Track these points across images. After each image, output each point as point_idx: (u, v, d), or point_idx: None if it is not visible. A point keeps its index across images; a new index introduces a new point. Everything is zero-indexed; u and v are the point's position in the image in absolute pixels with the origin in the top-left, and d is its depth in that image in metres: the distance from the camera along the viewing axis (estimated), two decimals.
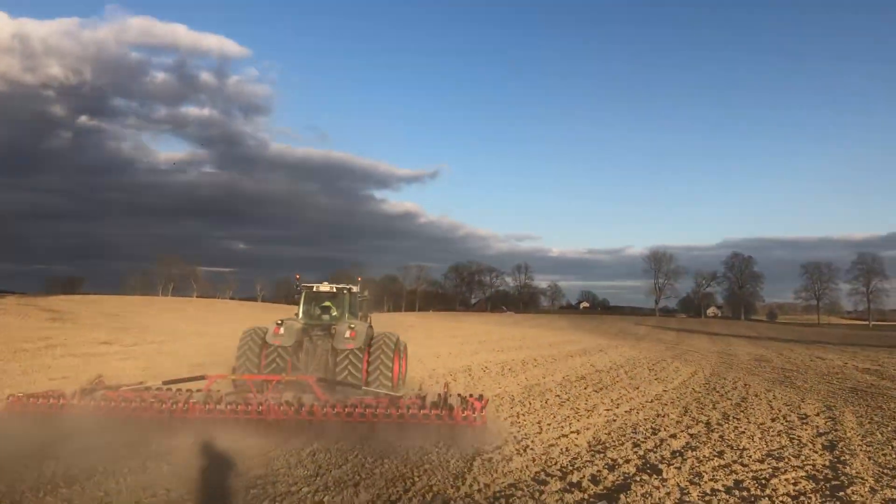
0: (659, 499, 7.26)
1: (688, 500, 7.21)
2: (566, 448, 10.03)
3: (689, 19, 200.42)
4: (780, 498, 7.31)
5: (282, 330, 13.66)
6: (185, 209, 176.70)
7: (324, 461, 8.74)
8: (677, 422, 12.68)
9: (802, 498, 7.33)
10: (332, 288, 15.25)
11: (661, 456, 9.51)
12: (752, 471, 8.62)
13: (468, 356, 27.13)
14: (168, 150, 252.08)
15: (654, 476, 8.24)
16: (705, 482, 7.97)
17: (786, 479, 8.10)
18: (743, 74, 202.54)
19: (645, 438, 10.90)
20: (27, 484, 7.25)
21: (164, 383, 12.15)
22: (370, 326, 15.18)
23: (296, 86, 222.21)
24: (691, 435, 11.26)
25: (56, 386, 13.35)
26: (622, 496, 7.31)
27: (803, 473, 8.44)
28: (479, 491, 7.52)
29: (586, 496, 7.37)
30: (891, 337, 61.25)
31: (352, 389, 12.45)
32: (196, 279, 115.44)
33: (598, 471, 8.55)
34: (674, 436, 11.15)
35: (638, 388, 18.09)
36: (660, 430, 11.67)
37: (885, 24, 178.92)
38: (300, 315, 14.89)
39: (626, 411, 13.96)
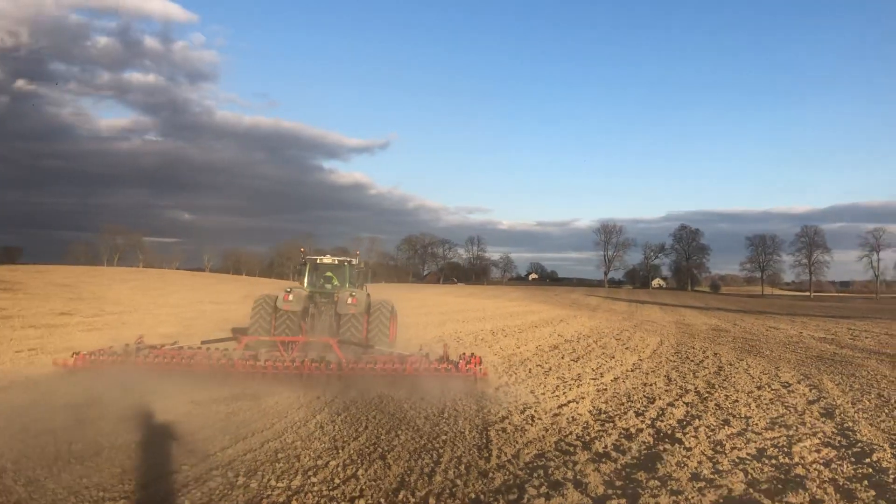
0: (695, 467, 7.17)
1: (722, 468, 7.10)
2: (572, 417, 9.94)
3: None
4: (811, 465, 7.32)
5: (291, 297, 15.14)
6: (128, 178, 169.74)
7: (337, 433, 8.45)
8: (666, 391, 12.72)
9: (834, 464, 7.35)
10: (334, 260, 17.20)
11: (670, 425, 9.48)
12: (766, 439, 8.64)
13: (436, 326, 26.86)
14: (111, 117, 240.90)
15: (677, 445, 8.17)
16: (729, 451, 7.95)
17: (805, 447, 8.13)
18: (683, 49, 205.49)
19: (644, 408, 10.88)
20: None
21: (203, 342, 14.35)
22: (368, 294, 16.45)
23: (244, 52, 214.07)
24: (687, 404, 11.30)
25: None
26: (658, 465, 7.17)
27: (817, 441, 8.50)
28: (510, 462, 7.33)
29: (619, 465, 7.25)
30: (832, 307, 64.01)
31: (360, 349, 14.31)
32: (142, 249, 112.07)
33: (617, 440, 8.46)
34: (671, 405, 11.16)
35: (613, 358, 18.18)
36: (655, 399, 11.67)
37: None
38: (305, 284, 16.59)
39: (612, 380, 13.97)
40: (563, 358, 17.90)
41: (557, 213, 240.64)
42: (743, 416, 10.18)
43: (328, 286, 16.70)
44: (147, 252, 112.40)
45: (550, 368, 15.55)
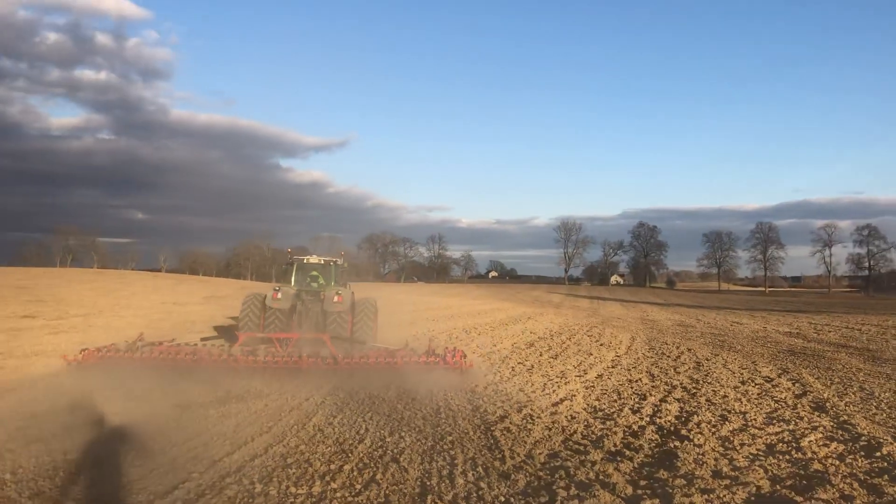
0: (713, 464, 7.08)
1: (739, 465, 7.02)
2: (570, 416, 9.84)
3: None
4: (826, 460, 7.29)
5: (279, 295, 15.75)
6: (80, 177, 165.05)
7: (340, 436, 8.16)
8: (653, 387, 12.72)
9: (848, 459, 7.32)
10: (320, 260, 17.82)
11: (669, 421, 9.43)
12: (770, 434, 8.63)
13: (408, 326, 26.53)
14: (61, 115, 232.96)
15: (686, 442, 8.08)
16: (739, 447, 7.90)
17: (812, 442, 8.12)
18: (634, 51, 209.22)
19: (637, 404, 10.82)
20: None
21: (202, 340, 15.58)
22: (352, 293, 17.05)
23: (199, 50, 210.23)
24: (678, 399, 11.28)
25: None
26: (676, 463, 7.05)
27: (821, 435, 8.51)
28: (526, 462, 7.17)
29: (636, 464, 7.12)
30: (787, 302, 65.94)
31: (350, 344, 15.24)
32: (96, 250, 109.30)
33: (624, 438, 8.38)
34: (664, 401, 11.14)
35: (591, 354, 18.18)
36: (646, 396, 11.63)
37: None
38: (293, 283, 17.14)
39: (596, 377, 13.95)
40: (541, 355, 17.82)
41: (516, 211, 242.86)
42: (738, 411, 10.18)
43: (314, 285, 17.21)
44: (101, 253, 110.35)
45: (533, 366, 15.44)
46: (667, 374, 14.48)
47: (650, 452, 7.59)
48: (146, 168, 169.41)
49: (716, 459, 7.24)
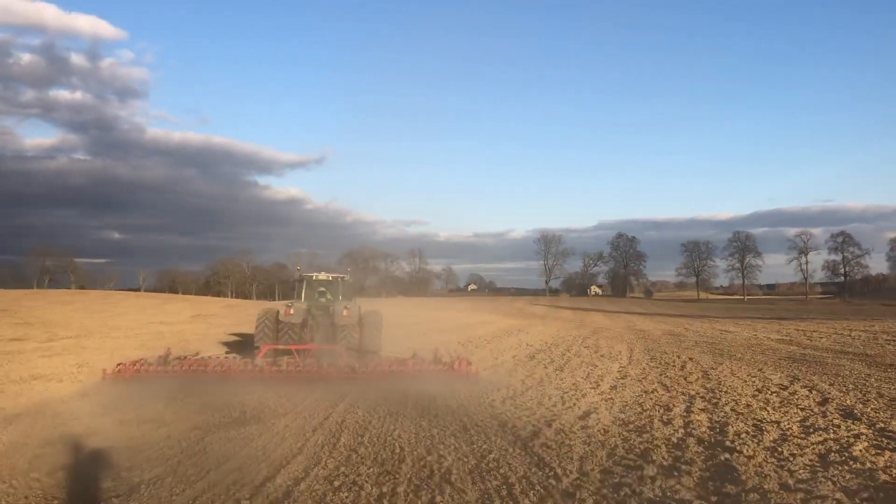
0: (777, 477, 6.88)
1: (802, 477, 6.83)
2: (603, 430, 9.68)
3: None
4: (891, 470, 7.11)
5: (292, 310, 16.78)
6: (55, 198, 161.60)
7: (377, 456, 7.93)
8: (671, 397, 12.59)
9: None
10: (328, 277, 18.77)
11: (705, 432, 9.28)
12: (816, 443, 8.50)
13: (404, 340, 26.12)
14: (36, 136, 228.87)
15: (735, 454, 7.90)
16: (791, 457, 7.71)
17: (863, 450, 7.97)
18: (609, 63, 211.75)
19: (665, 416, 10.65)
20: None
21: (227, 353, 16.78)
22: (359, 307, 18.21)
23: (174, 69, 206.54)
24: (703, 410, 11.15)
25: None
26: (738, 476, 6.87)
27: (867, 443, 8.37)
28: (584, 480, 6.95)
29: (697, 479, 6.94)
30: (767, 309, 66.65)
31: (364, 355, 16.42)
32: (74, 271, 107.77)
33: (670, 451, 8.16)
34: (689, 411, 11.00)
35: (595, 367, 18.00)
36: (669, 407, 11.45)
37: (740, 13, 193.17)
38: (303, 299, 18.01)
39: (610, 388, 13.81)
40: (545, 368, 17.63)
41: (493, 224, 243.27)
42: (769, 420, 10.05)
43: (322, 300, 18.27)
44: (79, 274, 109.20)
45: (542, 379, 15.26)
46: (679, 384, 14.34)
47: (705, 466, 7.38)
48: (122, 187, 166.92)
49: (776, 472, 7.05)
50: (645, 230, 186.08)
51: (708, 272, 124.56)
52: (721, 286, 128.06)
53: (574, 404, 11.78)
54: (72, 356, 17.60)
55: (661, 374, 15.99)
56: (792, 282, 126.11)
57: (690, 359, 19.75)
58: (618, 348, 24.03)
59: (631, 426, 9.82)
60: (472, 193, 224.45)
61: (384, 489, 6.50)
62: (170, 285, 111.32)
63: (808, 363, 18.08)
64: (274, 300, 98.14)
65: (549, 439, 8.80)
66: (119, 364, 13.74)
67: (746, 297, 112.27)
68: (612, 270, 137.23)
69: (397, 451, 8.15)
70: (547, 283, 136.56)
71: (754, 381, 14.52)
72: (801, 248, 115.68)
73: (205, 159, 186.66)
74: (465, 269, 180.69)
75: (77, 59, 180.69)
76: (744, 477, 6.84)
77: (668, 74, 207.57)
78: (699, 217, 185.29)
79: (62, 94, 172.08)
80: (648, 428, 9.61)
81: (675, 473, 7.05)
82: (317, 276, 18.64)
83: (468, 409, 11.27)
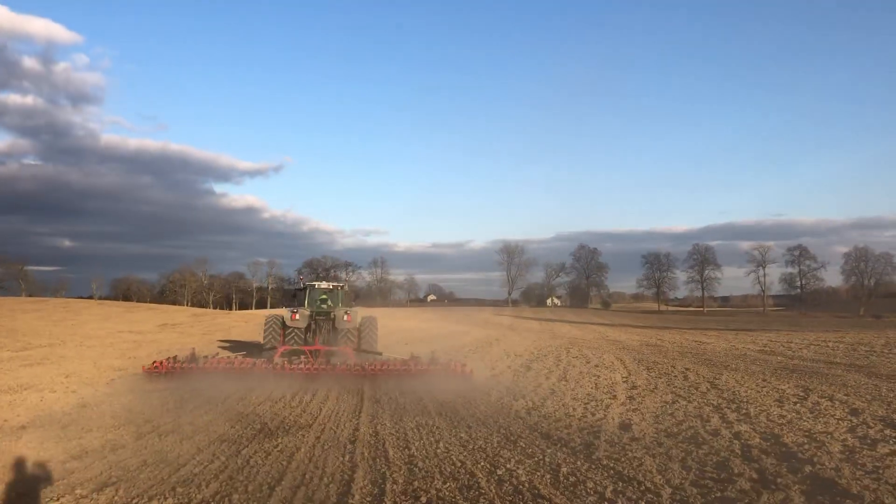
0: (875, 489, 6.46)
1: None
2: (656, 442, 9.25)
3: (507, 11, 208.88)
4: None
5: (297, 316, 18.69)
6: (3, 204, 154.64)
7: (442, 470, 7.32)
8: (697, 407, 12.42)
9: None
10: (329, 285, 20.84)
11: (762, 442, 8.95)
12: (886, 453, 8.16)
13: (383, 349, 25.42)
14: None
15: (818, 465, 7.58)
16: (876, 468, 7.43)
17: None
18: (566, 72, 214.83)
19: (707, 426, 10.41)
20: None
21: (244, 355, 18.45)
22: (358, 312, 19.88)
23: (131, 74, 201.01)
24: (739, 421, 10.82)
25: None
26: (841, 483, 6.43)
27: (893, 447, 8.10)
28: (681, 494, 6.48)
29: (798, 491, 6.45)
30: (729, 321, 67.74)
31: (368, 355, 18.27)
32: (24, 279, 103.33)
33: (746, 463, 7.71)
34: (725, 421, 10.83)
35: (598, 377, 17.69)
36: (706, 419, 11.17)
37: (711, 23, 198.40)
38: (306, 305, 19.83)
39: (628, 399, 13.54)
40: (548, 378, 17.30)
41: (452, 234, 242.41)
42: (819, 431, 9.83)
43: (324, 306, 19.82)
44: (29, 281, 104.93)
45: (554, 391, 14.86)
46: (693, 395, 14.11)
47: (797, 478, 7.03)
48: (74, 194, 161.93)
49: (875, 483, 6.69)
50: (602, 241, 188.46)
51: (668, 284, 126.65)
52: (677, 298, 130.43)
53: (603, 415, 11.40)
54: (54, 366, 16.46)
55: (668, 385, 15.74)
56: (745, 294, 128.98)
57: (687, 369, 19.62)
58: (607, 359, 23.81)
59: (680, 437, 9.47)
60: (430, 203, 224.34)
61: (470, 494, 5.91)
62: (124, 294, 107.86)
63: (807, 374, 18.09)
64: (231, 310, 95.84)
65: (609, 452, 8.34)
66: (154, 361, 15.17)
67: (707, 310, 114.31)
68: (574, 281, 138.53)
69: (457, 464, 7.56)
70: (510, 293, 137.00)
71: (768, 392, 14.38)
72: (759, 261, 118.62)
73: (161, 166, 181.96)
74: (423, 280, 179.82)
75: (29, 62, 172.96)
76: (854, 491, 6.48)
77: (621, 92, 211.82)
78: (656, 230, 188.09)
79: (13, 98, 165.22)
80: (699, 440, 9.26)
81: (772, 487, 6.68)
82: (318, 284, 20.63)
83: (497, 419, 10.78)
